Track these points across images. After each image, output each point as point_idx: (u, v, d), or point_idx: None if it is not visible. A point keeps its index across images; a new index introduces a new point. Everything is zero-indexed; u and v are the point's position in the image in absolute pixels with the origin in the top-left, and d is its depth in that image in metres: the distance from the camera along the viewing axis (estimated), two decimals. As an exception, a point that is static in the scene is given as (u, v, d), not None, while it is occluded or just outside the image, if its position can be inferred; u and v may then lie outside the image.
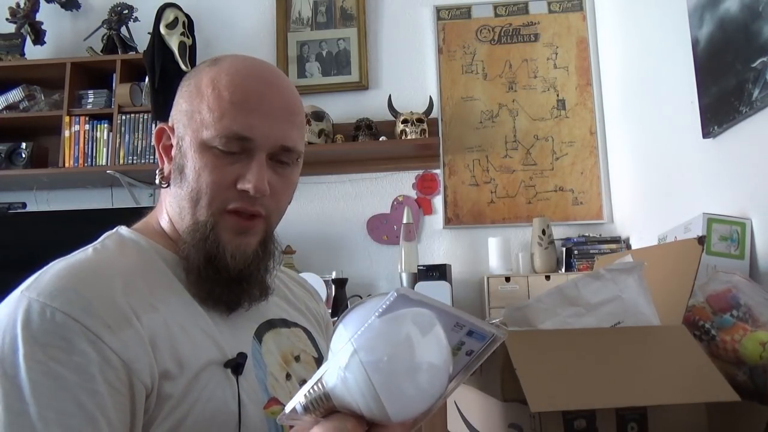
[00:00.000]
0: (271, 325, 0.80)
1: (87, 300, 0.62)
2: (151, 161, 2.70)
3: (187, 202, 0.74)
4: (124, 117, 2.78)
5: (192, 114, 0.75)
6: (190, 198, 0.74)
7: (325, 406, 0.50)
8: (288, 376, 0.76)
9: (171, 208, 0.78)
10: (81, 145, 2.77)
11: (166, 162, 0.79)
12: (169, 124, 0.79)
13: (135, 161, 2.75)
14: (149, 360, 0.63)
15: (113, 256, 0.73)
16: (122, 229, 0.79)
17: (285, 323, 0.83)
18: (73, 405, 0.58)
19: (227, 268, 0.73)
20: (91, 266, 0.69)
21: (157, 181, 0.80)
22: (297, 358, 0.79)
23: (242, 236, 0.74)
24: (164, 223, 0.79)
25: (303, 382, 0.75)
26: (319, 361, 0.81)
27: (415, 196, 2.86)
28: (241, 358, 0.70)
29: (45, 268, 0.68)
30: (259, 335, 0.77)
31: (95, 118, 2.79)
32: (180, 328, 0.68)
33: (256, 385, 0.71)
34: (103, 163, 2.74)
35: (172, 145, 0.77)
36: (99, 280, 0.66)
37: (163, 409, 0.64)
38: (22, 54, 2.93)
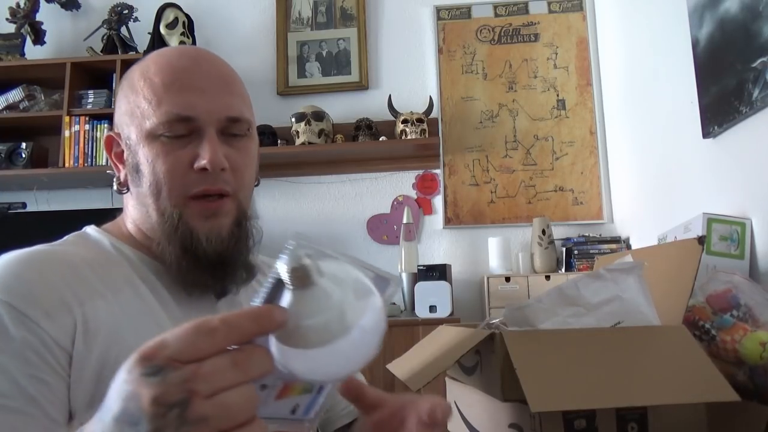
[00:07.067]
0: None
1: (28, 287, 0.63)
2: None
3: (149, 198, 0.73)
4: (124, 117, 2.78)
5: (132, 111, 0.74)
6: (151, 192, 0.72)
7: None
8: None
9: (135, 210, 0.77)
10: (81, 145, 2.77)
11: (121, 168, 0.78)
12: (115, 130, 0.79)
13: (135, 161, 2.75)
14: (86, 347, 0.63)
15: (67, 247, 0.74)
16: (89, 229, 0.79)
17: None
18: (13, 388, 0.59)
19: (206, 254, 0.72)
20: (38, 255, 0.69)
21: (114, 188, 0.79)
22: None
23: (213, 219, 0.73)
24: (129, 225, 0.79)
25: None
26: None
27: (415, 196, 2.86)
28: None
29: None
30: None
31: (95, 118, 2.79)
32: (128, 318, 0.67)
33: None
34: (103, 163, 2.74)
35: (122, 151, 0.77)
36: (43, 267, 0.66)
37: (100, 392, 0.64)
38: (22, 54, 2.93)
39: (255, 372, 0.40)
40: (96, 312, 0.65)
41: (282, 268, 0.42)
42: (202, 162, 0.70)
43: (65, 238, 0.77)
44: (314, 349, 0.42)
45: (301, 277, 0.42)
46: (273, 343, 0.43)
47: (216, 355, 0.39)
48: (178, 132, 0.71)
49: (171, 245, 0.72)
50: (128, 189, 0.78)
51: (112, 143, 0.80)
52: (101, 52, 2.92)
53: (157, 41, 2.66)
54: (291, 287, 0.43)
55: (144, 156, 0.72)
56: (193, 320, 0.40)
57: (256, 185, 0.83)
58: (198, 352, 0.39)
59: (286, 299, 0.43)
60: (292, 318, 0.42)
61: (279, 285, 0.44)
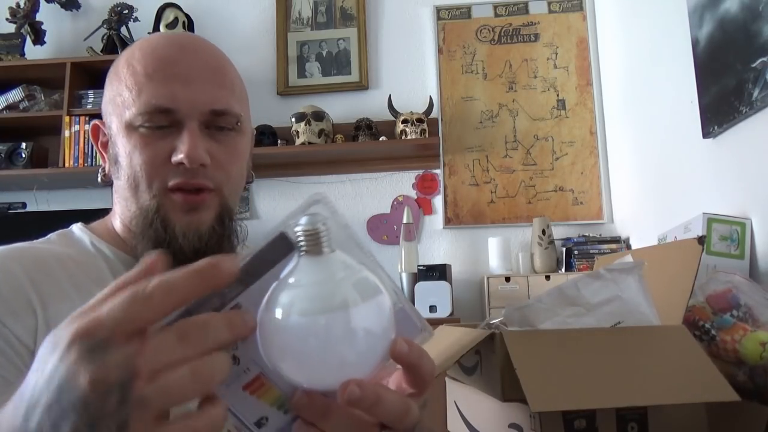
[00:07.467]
0: None
1: None
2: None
3: (127, 191, 0.70)
4: (124, 117, 2.78)
5: (114, 99, 0.71)
6: (129, 186, 0.69)
7: None
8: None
9: (118, 203, 0.74)
10: (81, 145, 2.77)
11: (106, 158, 0.75)
12: (102, 119, 0.76)
13: (135, 161, 2.75)
14: None
15: (45, 245, 0.72)
16: (75, 227, 0.77)
17: None
18: None
19: (182, 250, 0.67)
20: (8, 253, 0.67)
21: (99, 180, 0.76)
22: None
23: (192, 213, 0.69)
24: (116, 222, 0.76)
25: None
26: None
27: (415, 196, 2.86)
28: None
29: None
30: None
31: (95, 118, 2.78)
32: None
33: None
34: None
35: (107, 140, 0.74)
36: (12, 265, 0.65)
37: None
38: (22, 54, 2.93)
39: (206, 344, 0.34)
40: (59, 315, 0.63)
41: (294, 226, 0.39)
42: (179, 156, 0.67)
43: (49, 236, 0.75)
44: (300, 318, 0.37)
45: (309, 242, 0.38)
46: (261, 310, 0.39)
47: (161, 325, 0.34)
48: (157, 123, 0.68)
49: (144, 241, 0.69)
50: (111, 181, 0.74)
51: (98, 132, 0.77)
52: (101, 52, 2.92)
53: (157, 41, 2.66)
54: (296, 248, 0.39)
55: (122, 147, 0.70)
56: (123, 284, 0.36)
57: (250, 182, 0.80)
58: (139, 321, 0.33)
59: (288, 259, 0.39)
60: (287, 281, 0.39)
61: (284, 241, 0.40)
